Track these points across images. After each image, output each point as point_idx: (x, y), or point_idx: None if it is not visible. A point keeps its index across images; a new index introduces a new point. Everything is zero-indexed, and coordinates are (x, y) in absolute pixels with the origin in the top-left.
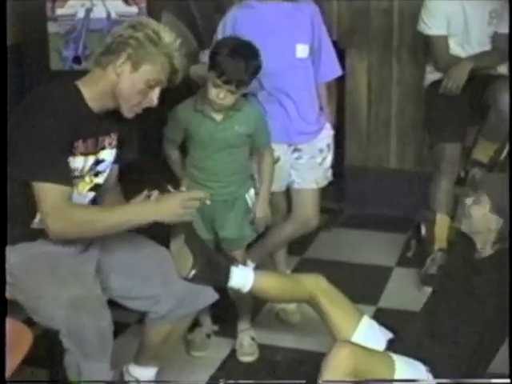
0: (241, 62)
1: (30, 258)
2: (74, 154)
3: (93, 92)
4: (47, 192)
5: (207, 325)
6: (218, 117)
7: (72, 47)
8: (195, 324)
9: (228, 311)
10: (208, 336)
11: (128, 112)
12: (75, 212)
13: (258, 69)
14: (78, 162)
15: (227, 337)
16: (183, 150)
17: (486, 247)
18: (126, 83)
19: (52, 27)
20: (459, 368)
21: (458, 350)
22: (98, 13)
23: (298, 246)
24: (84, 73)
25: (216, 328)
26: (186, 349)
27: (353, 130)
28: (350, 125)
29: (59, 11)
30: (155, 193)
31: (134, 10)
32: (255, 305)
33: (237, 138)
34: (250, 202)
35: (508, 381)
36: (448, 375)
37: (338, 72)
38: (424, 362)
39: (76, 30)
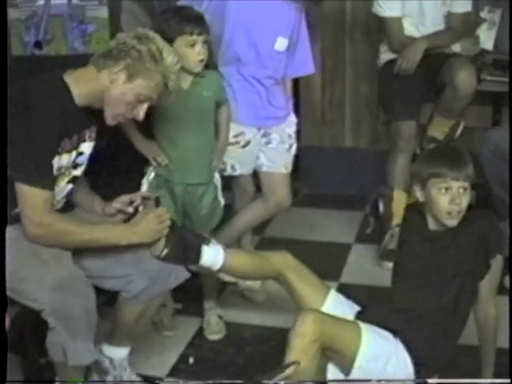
0: (190, 10)
1: (11, 242)
2: (60, 153)
3: (82, 90)
4: (29, 195)
5: (170, 304)
6: (185, 84)
7: (33, 32)
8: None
9: (193, 290)
10: (173, 314)
11: (111, 119)
12: (55, 222)
13: (203, 15)
14: (63, 160)
15: (194, 316)
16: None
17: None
18: (117, 91)
19: (13, 13)
20: (429, 340)
21: (426, 324)
22: None
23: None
24: (64, 59)
25: (180, 306)
26: (154, 328)
27: (307, 110)
28: (305, 105)
29: None
30: (138, 199)
31: None
32: (220, 284)
33: (205, 103)
34: (218, 185)
35: (508, 381)
36: (419, 348)
37: (311, 69)
38: (393, 333)
39: (37, 15)
